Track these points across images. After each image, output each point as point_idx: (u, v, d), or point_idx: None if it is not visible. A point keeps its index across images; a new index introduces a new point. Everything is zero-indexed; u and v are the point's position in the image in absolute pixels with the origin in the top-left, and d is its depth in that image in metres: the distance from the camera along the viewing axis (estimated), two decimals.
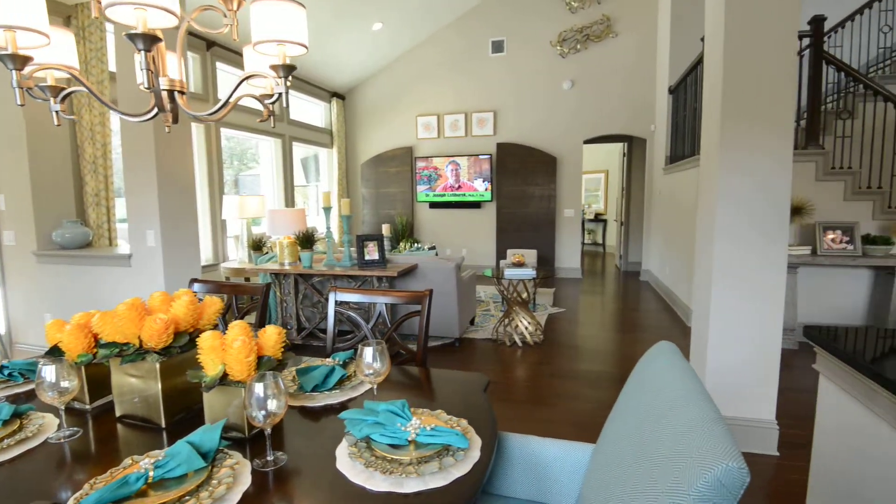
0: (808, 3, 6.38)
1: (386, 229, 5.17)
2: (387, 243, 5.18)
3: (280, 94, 1.34)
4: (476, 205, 7.93)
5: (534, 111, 7.69)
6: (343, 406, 1.38)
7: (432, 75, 8.03)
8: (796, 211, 4.16)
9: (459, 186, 7.88)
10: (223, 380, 1.23)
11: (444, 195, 7.96)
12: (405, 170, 8.12)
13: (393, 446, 1.11)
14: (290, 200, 7.03)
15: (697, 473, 0.73)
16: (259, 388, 1.08)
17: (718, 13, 2.46)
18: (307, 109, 7.90)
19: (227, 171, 6.71)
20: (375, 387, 1.32)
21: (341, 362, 1.57)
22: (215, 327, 1.55)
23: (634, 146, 8.12)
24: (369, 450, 1.11)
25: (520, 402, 3.18)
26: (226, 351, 1.22)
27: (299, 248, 3.75)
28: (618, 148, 9.85)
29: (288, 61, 1.33)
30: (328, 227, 3.78)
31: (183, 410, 1.37)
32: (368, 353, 1.28)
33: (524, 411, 3.04)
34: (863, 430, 1.17)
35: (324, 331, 3.96)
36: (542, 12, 7.48)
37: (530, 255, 6.01)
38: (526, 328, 4.20)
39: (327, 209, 3.67)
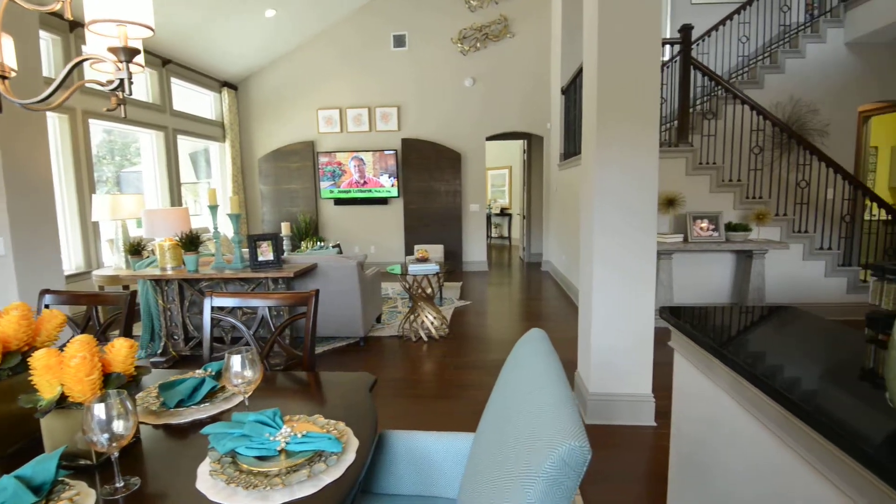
0: (681, 12, 7.06)
1: (285, 228, 4.94)
2: (287, 243, 4.97)
3: (122, 80, 1.20)
4: (383, 201, 7.85)
5: (437, 107, 7.76)
6: (214, 420, 1.28)
7: (333, 67, 7.80)
8: (670, 203, 4.58)
9: (365, 182, 7.75)
10: (63, 402, 1.09)
11: (349, 191, 7.79)
12: (307, 165, 7.82)
13: (261, 458, 1.05)
14: (176, 199, 6.48)
15: (545, 455, 0.75)
16: (99, 410, 0.96)
17: (593, 22, 2.62)
18: (194, 100, 7.32)
19: (108, 167, 6.06)
20: (247, 397, 1.24)
21: (214, 373, 1.46)
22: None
23: (534, 143, 8.49)
24: (234, 465, 1.04)
25: (425, 396, 3.20)
26: (63, 370, 1.08)
27: (183, 250, 3.45)
28: (519, 144, 10.24)
29: (131, 43, 1.20)
30: (215, 227, 3.52)
31: (22, 439, 1.20)
32: (236, 361, 1.19)
33: (429, 405, 3.06)
34: (707, 398, 1.30)
35: (214, 339, 3.70)
36: (443, 9, 7.55)
37: (437, 251, 6.06)
38: (432, 323, 4.22)
39: (213, 207, 3.42)
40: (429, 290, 4.25)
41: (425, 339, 4.20)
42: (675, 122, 5.15)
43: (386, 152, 7.65)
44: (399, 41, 7.66)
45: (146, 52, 5.97)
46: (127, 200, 4.47)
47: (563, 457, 0.74)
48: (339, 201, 7.89)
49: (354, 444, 1.11)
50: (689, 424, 1.42)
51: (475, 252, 7.98)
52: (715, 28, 6.46)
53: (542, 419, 0.83)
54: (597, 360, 2.71)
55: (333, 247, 4.92)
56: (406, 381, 3.44)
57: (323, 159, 7.73)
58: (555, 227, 7.38)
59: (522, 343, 1.20)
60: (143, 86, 6.28)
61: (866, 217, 5.40)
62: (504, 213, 12.11)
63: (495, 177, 12.31)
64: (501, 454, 0.90)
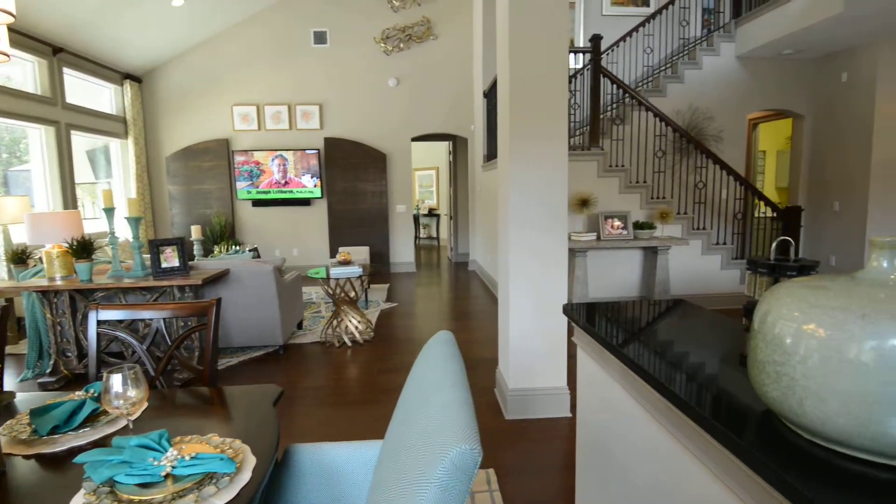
0: (593, 22, 7.43)
1: (196, 231, 4.63)
2: (198, 247, 4.67)
3: None
4: (306, 202, 7.60)
5: (361, 107, 7.63)
6: (95, 447, 1.16)
7: (250, 61, 7.43)
8: (584, 203, 4.82)
9: (286, 182, 7.46)
10: None
11: (269, 192, 7.46)
12: (221, 164, 7.39)
13: (144, 486, 0.96)
14: (70, 201, 5.88)
15: (437, 461, 0.75)
16: None
17: (504, 25, 2.68)
18: (91, 92, 6.69)
19: None
20: (131, 420, 1.14)
21: (97, 394, 1.33)
22: None
23: (459, 145, 8.60)
24: (112, 495, 0.94)
25: (348, 403, 3.12)
26: None
27: (74, 258, 3.13)
28: (446, 146, 10.34)
29: None
30: (112, 232, 3.23)
31: None
32: (116, 380, 1.09)
33: (352, 412, 2.99)
34: (604, 388, 1.37)
35: (114, 355, 3.40)
36: (365, 8, 7.45)
37: (362, 252, 5.97)
38: (356, 327, 4.14)
39: (109, 210, 3.13)
40: (352, 294, 4.17)
41: (349, 343, 4.11)
42: (588, 126, 5.42)
43: (308, 152, 7.41)
44: (320, 38, 7.45)
45: (32, 38, 5.37)
46: (9, 203, 3.99)
47: (453, 461, 0.74)
48: (257, 202, 7.53)
49: (251, 462, 1.05)
50: (591, 415, 1.49)
51: (403, 253, 7.94)
52: (623, 39, 6.87)
53: (436, 424, 0.83)
54: (515, 355, 2.78)
55: (250, 250, 4.68)
56: (328, 388, 3.34)
57: (239, 158, 7.35)
58: (480, 228, 7.52)
59: (428, 346, 1.20)
60: (30, 76, 5.64)
61: (756, 214, 5.99)
62: (432, 213, 12.17)
63: (423, 177, 12.35)
64: (400, 462, 0.88)
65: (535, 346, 2.77)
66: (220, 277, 3.54)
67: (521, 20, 2.58)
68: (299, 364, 3.78)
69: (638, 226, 4.97)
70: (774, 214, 5.49)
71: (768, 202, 5.46)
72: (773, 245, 1.36)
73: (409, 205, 7.91)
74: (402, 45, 7.54)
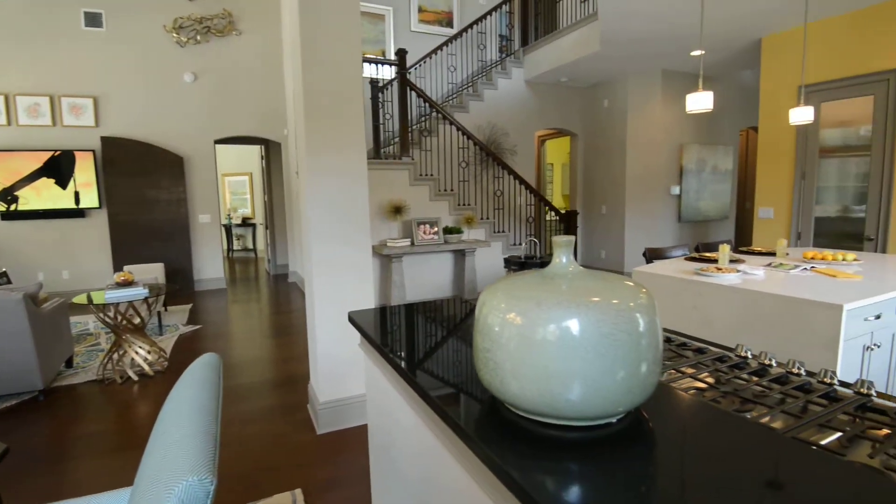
0: (402, 37, 7.73)
1: None
2: None
3: None
4: (78, 213, 6.37)
5: (150, 103, 6.70)
6: None
7: None
8: (398, 210, 4.98)
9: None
10: None
11: (26, 201, 6.07)
12: None
13: None
14: None
15: (163, 498, 0.68)
16: None
17: (296, 39, 2.62)
18: None
19: None
20: None
21: None
22: None
23: (272, 149, 8.15)
24: None
25: (130, 447, 2.69)
26: None
27: None
28: (258, 150, 9.71)
29: None
30: None
31: None
32: None
33: (134, 458, 2.58)
34: (382, 389, 1.41)
35: None
36: None
37: (154, 270, 5.24)
38: (144, 358, 3.60)
39: None
40: (136, 320, 3.62)
41: (135, 378, 3.55)
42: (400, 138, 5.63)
43: (78, 153, 6.23)
44: (93, 20, 6.34)
45: None
46: None
47: (180, 496, 0.68)
48: (8, 215, 6.06)
49: None
50: (376, 413, 1.53)
51: (210, 268, 7.20)
52: (429, 55, 7.30)
53: (167, 459, 0.75)
54: (324, 367, 2.73)
55: None
56: (104, 433, 2.84)
57: None
58: (299, 237, 7.23)
59: (185, 373, 1.09)
60: None
61: (548, 218, 6.90)
62: (247, 223, 11.30)
63: (235, 184, 11.40)
64: None
65: (342, 356, 2.76)
66: None
67: (312, 26, 2.55)
68: (67, 409, 3.13)
69: (447, 230, 5.32)
70: (558, 217, 6.40)
71: (552, 207, 6.34)
72: (524, 245, 1.56)
73: (217, 214, 7.21)
74: (199, 38, 6.85)
